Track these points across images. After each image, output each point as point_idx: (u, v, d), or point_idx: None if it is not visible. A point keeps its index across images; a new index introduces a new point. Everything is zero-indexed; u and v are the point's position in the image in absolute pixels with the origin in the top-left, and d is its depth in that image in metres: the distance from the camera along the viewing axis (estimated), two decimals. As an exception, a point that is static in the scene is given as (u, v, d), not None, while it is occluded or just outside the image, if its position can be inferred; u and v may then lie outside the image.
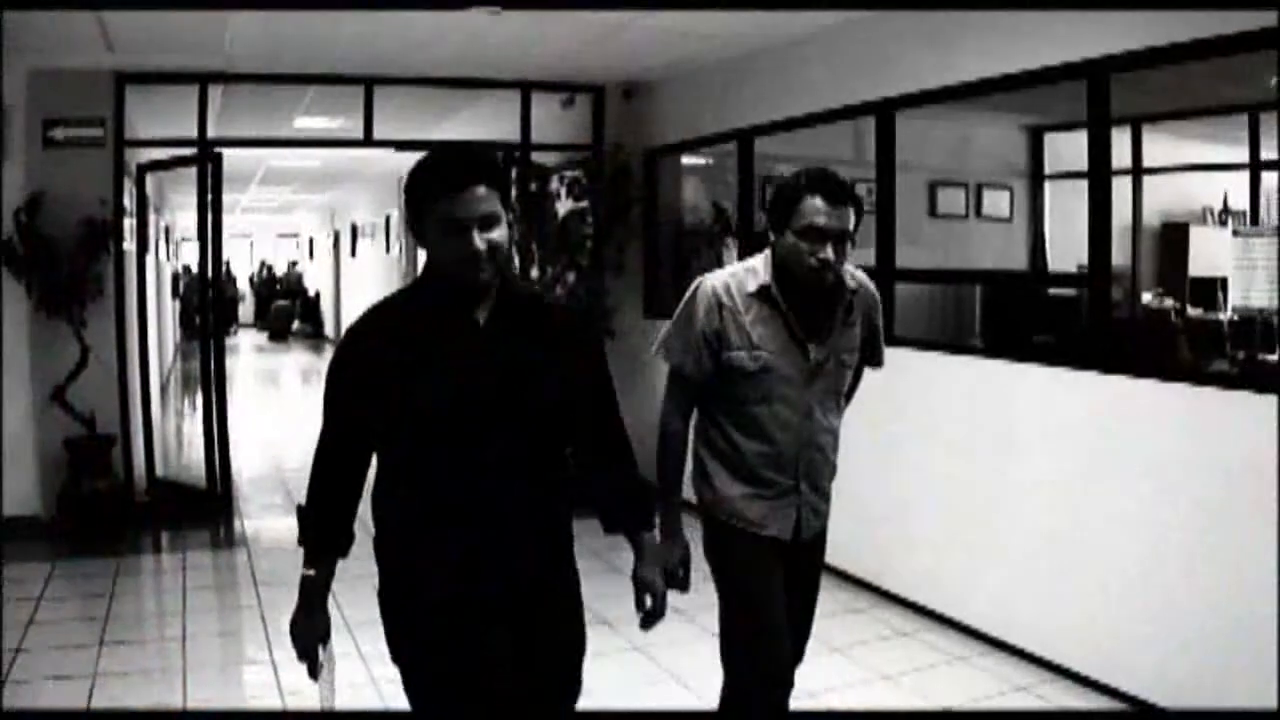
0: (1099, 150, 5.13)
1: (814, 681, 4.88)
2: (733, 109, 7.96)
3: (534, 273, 8.89)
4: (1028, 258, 9.58)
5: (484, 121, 9.92)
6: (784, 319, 3.41)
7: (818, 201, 3.30)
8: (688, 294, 3.53)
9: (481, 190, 2.61)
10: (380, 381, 2.65)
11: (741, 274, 3.48)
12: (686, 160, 9.47)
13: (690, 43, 7.44)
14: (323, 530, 2.80)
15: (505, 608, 2.80)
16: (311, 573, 2.80)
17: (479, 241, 2.60)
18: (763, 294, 3.42)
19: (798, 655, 3.66)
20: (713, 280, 3.49)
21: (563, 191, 9.10)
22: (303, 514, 2.80)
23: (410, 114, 9.74)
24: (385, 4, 6.34)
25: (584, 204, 9.00)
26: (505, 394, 2.70)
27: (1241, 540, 4.42)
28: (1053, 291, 7.48)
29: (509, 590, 2.79)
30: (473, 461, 2.69)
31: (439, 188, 2.61)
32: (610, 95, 9.27)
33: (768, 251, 3.48)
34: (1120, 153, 6.40)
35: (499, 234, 2.65)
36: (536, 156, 9.25)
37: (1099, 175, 5.15)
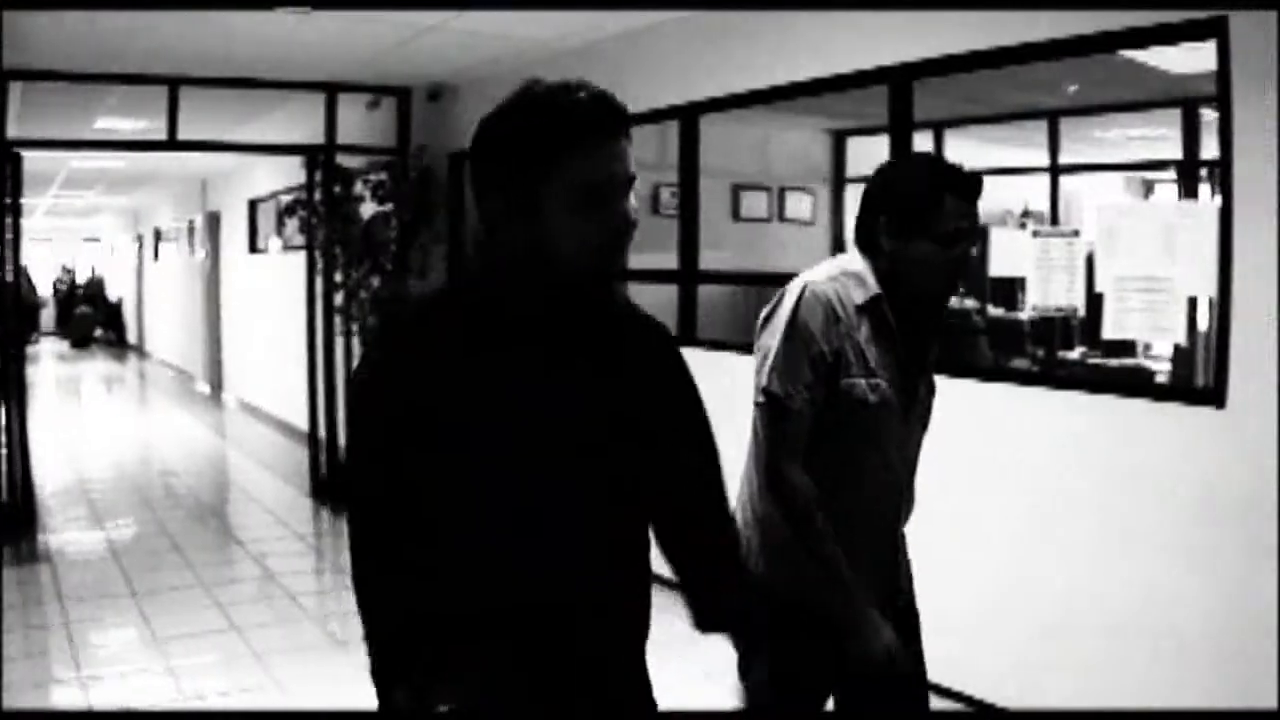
0: (901, 154, 5.24)
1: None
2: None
3: (337, 276, 8.87)
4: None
5: (289, 123, 9.80)
6: (893, 339, 2.72)
7: (960, 201, 2.67)
8: (790, 303, 2.69)
9: (628, 143, 1.82)
10: (432, 424, 1.82)
11: (843, 279, 2.72)
12: (492, 163, 9.42)
13: (496, 45, 7.44)
14: (412, 644, 1.86)
15: None
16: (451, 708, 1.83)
17: (632, 211, 1.82)
18: (872, 307, 2.70)
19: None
20: (819, 285, 2.69)
21: (367, 195, 9.00)
22: (380, 640, 1.90)
23: (215, 115, 9.54)
24: (192, 4, 6.21)
25: (388, 207, 8.94)
26: (602, 447, 1.92)
27: (1057, 533, 4.55)
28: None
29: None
30: (556, 541, 1.90)
31: (579, 136, 1.77)
32: (416, 98, 9.23)
33: (855, 254, 2.78)
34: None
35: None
36: (341, 159, 9.12)
37: (901, 178, 5.26)
